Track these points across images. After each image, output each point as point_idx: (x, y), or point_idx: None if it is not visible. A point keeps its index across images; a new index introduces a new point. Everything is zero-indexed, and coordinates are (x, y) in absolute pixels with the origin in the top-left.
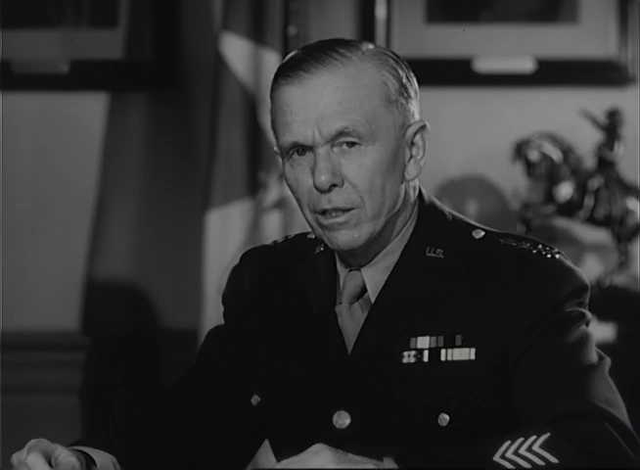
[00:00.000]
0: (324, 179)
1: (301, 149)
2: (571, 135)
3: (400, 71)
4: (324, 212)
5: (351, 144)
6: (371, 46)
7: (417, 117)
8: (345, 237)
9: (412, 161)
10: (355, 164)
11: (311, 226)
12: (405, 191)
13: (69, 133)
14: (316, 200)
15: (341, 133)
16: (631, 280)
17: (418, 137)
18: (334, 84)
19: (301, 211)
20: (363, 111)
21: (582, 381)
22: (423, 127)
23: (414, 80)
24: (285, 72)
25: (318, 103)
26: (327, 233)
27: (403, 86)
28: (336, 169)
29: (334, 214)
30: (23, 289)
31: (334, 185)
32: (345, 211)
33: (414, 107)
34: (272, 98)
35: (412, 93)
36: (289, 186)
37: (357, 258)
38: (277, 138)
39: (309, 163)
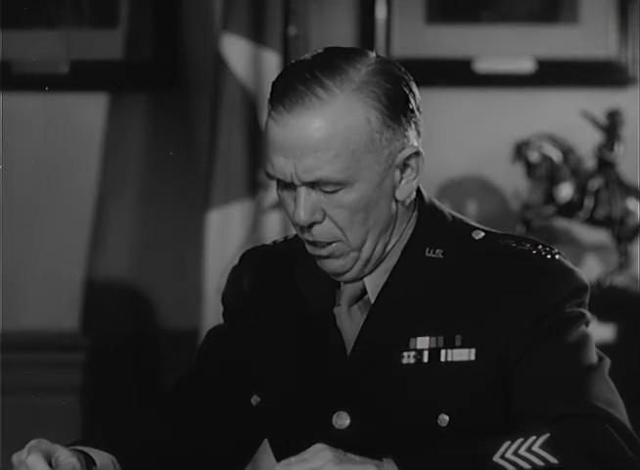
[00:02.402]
0: (303, 218)
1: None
2: (571, 136)
3: (397, 96)
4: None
5: (329, 188)
6: (370, 65)
7: (413, 140)
8: (332, 265)
9: (404, 181)
10: (334, 203)
11: None
12: (397, 208)
13: (69, 133)
14: (300, 230)
15: (316, 182)
16: (631, 280)
17: (412, 160)
18: (312, 127)
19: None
20: (339, 159)
21: (582, 381)
22: (416, 154)
23: (414, 100)
24: (272, 100)
25: (296, 146)
26: (316, 259)
27: (394, 117)
28: (316, 207)
29: (317, 245)
30: (23, 289)
31: (314, 222)
32: (328, 244)
33: (410, 130)
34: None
35: (408, 117)
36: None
37: (345, 279)
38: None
39: (292, 193)
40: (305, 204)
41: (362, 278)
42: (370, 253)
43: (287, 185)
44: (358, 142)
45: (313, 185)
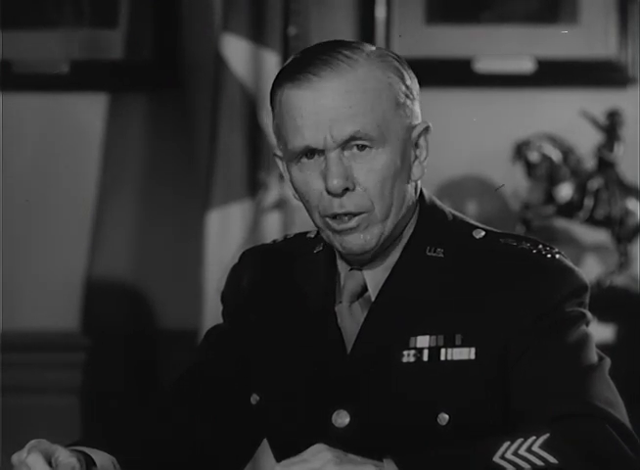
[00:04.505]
0: (337, 183)
1: (311, 152)
2: (570, 136)
3: (404, 73)
4: (335, 217)
5: (362, 147)
6: (373, 48)
7: (420, 118)
8: (357, 240)
9: (416, 162)
10: (366, 167)
11: (320, 229)
12: (410, 192)
13: (69, 133)
14: (327, 204)
15: (352, 137)
16: (631, 281)
17: (422, 139)
18: (344, 87)
19: (309, 214)
20: (374, 114)
21: (582, 381)
22: (426, 129)
23: (415, 81)
24: (292, 76)
25: (329, 106)
26: (337, 237)
27: (408, 88)
28: (347, 173)
29: (345, 219)
30: (23, 289)
31: (346, 189)
32: (356, 215)
33: (417, 108)
34: (276, 102)
35: (415, 94)
36: (296, 190)
37: (363, 258)
38: (285, 143)
39: (319, 166)
40: (338, 169)
41: (368, 263)
42: (391, 228)
43: (311, 155)
44: (387, 102)
45: (345, 147)
